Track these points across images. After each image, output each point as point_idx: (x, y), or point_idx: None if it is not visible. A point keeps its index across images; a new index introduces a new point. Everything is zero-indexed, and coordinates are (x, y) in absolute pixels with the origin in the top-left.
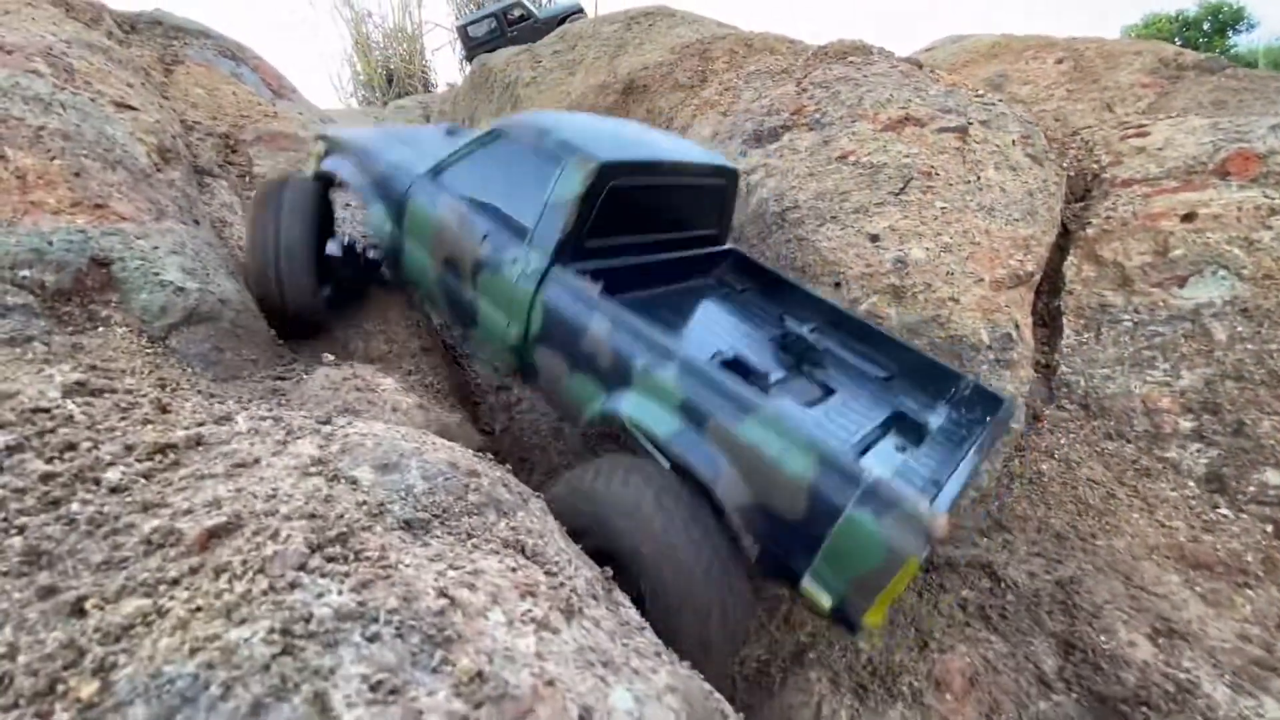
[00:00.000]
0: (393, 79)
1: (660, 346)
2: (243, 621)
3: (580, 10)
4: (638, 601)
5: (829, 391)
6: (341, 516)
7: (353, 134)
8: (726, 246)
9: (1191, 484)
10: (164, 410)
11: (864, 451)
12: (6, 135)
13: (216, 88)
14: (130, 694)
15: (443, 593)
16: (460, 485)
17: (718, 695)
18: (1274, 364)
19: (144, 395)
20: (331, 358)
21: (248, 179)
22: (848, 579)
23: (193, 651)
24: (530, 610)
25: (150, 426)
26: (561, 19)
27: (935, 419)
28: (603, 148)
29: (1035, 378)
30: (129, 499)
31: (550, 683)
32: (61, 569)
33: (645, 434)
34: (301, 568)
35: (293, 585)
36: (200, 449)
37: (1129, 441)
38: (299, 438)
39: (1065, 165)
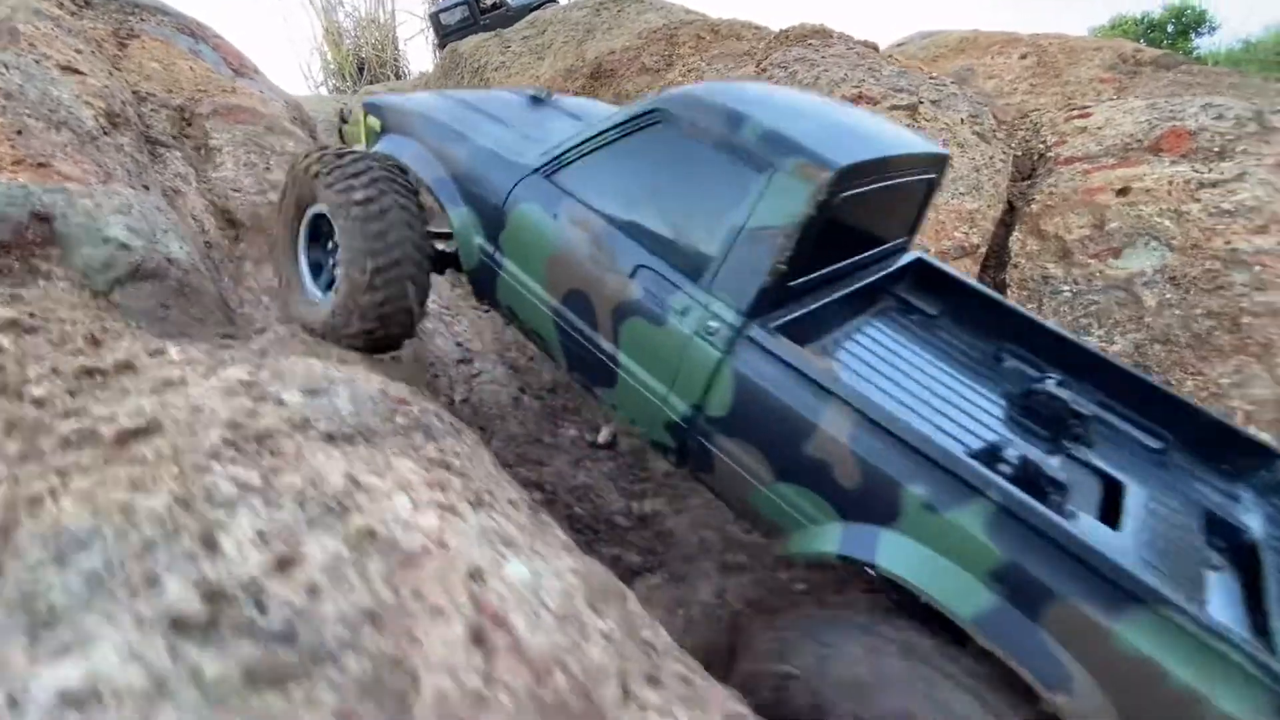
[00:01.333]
0: (364, 67)
1: (956, 473)
2: (145, 492)
3: None
4: None
5: (1115, 486)
6: (263, 425)
7: (415, 103)
8: (915, 255)
9: None
10: (96, 344)
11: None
12: None
13: (173, 63)
14: (28, 544)
15: (351, 478)
16: (388, 409)
17: (619, 583)
18: (1198, 328)
19: (79, 333)
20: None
21: (203, 151)
22: None
23: (94, 513)
24: (437, 498)
25: (81, 356)
26: (534, 6)
27: (1252, 519)
28: (832, 145)
29: None
30: (51, 409)
31: (443, 544)
32: None
33: (936, 606)
34: (215, 458)
35: (201, 470)
36: (130, 372)
37: None
38: (230, 366)
39: (1014, 145)
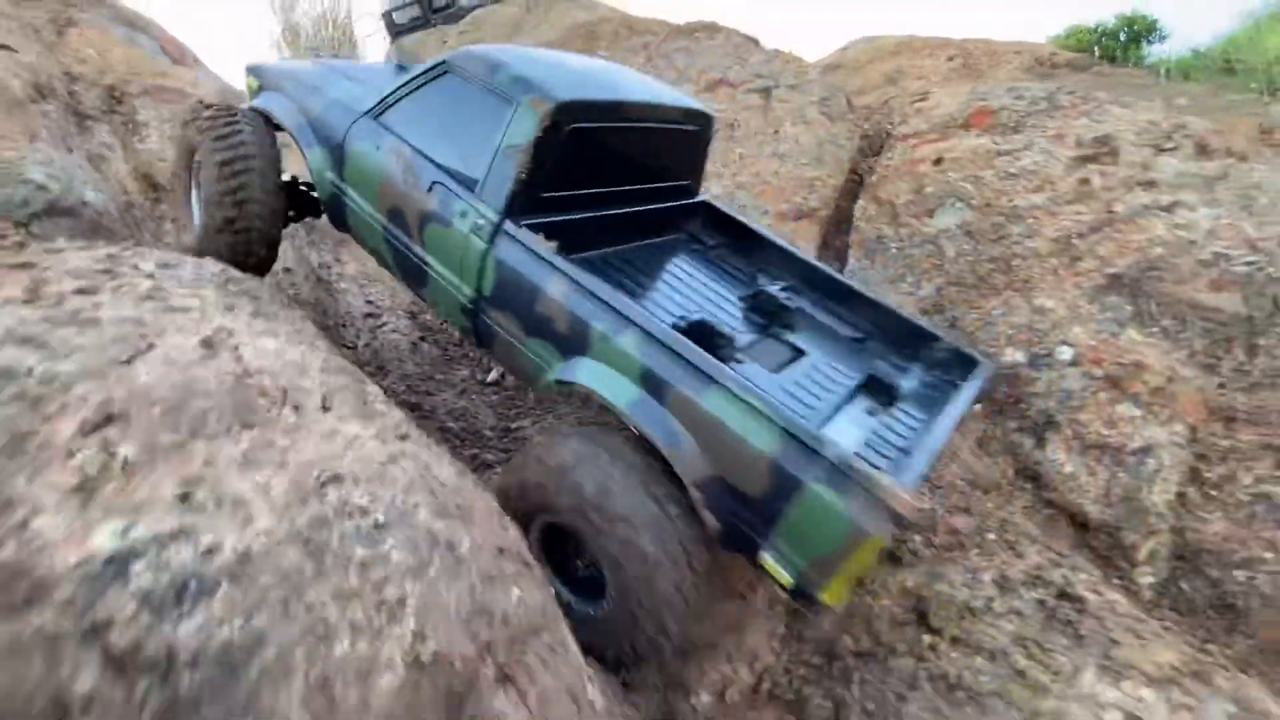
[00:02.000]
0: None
1: (620, 312)
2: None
3: None
4: (595, 574)
5: (799, 354)
6: (113, 271)
7: (289, 67)
8: (700, 199)
9: None
10: (21, 246)
11: (831, 418)
12: None
13: (108, 49)
14: None
15: (155, 289)
16: (223, 278)
17: (361, 374)
18: (981, 271)
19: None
20: None
21: (130, 126)
22: (808, 557)
23: None
24: (227, 305)
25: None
26: (484, 4)
27: (909, 382)
28: (561, 86)
29: None
30: None
31: (204, 310)
32: None
33: (604, 404)
34: (69, 275)
35: (42, 283)
36: (23, 249)
37: None
38: (100, 249)
39: (868, 127)
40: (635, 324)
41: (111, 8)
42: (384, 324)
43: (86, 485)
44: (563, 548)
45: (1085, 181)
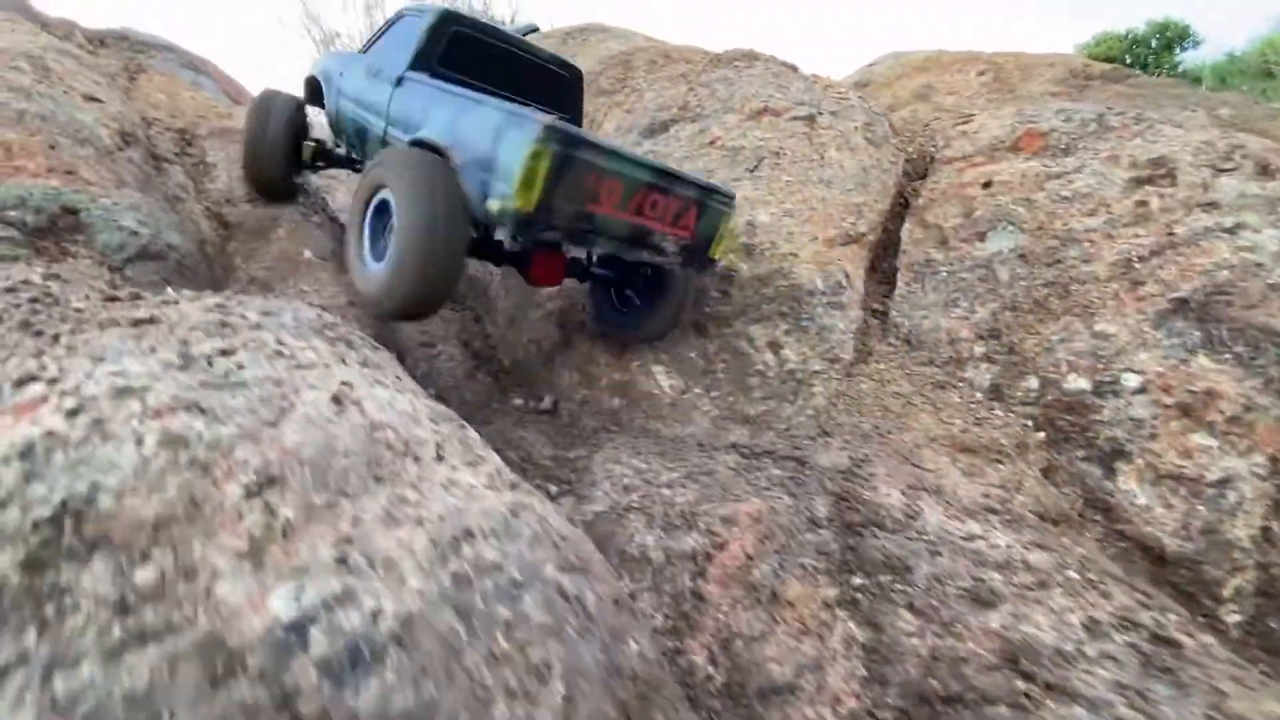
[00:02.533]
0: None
1: (448, 100)
2: (155, 351)
3: (536, 29)
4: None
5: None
6: (229, 324)
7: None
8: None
9: (978, 394)
10: (115, 287)
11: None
12: None
13: (177, 93)
14: (79, 350)
15: (279, 340)
16: (321, 325)
17: (460, 420)
18: (1038, 295)
19: (101, 283)
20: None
21: (201, 166)
22: (509, 179)
23: (120, 338)
24: (340, 355)
25: (102, 293)
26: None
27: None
28: (454, 13)
29: (871, 322)
30: (88, 312)
31: (328, 365)
32: (46, 330)
33: (428, 142)
34: (194, 329)
35: (186, 340)
36: (138, 298)
37: (936, 365)
38: (208, 297)
39: (911, 150)
40: (454, 99)
41: (175, 52)
42: (439, 353)
43: (255, 548)
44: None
45: (1143, 204)
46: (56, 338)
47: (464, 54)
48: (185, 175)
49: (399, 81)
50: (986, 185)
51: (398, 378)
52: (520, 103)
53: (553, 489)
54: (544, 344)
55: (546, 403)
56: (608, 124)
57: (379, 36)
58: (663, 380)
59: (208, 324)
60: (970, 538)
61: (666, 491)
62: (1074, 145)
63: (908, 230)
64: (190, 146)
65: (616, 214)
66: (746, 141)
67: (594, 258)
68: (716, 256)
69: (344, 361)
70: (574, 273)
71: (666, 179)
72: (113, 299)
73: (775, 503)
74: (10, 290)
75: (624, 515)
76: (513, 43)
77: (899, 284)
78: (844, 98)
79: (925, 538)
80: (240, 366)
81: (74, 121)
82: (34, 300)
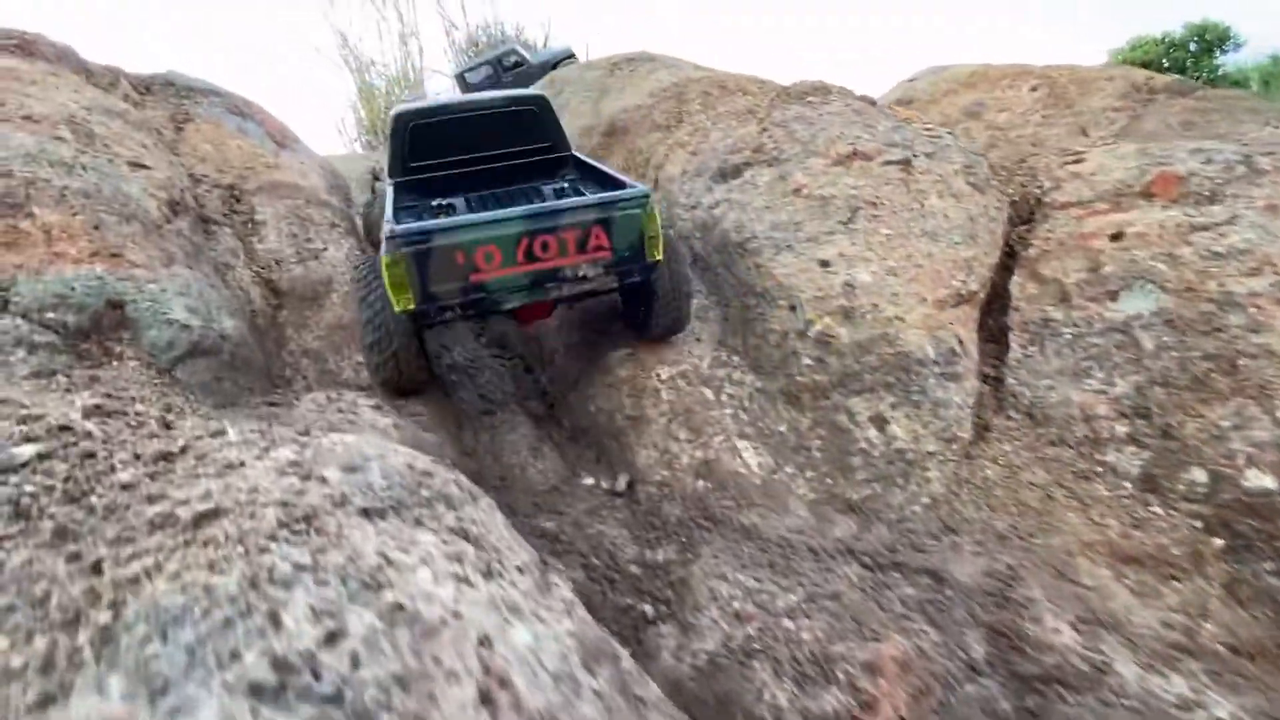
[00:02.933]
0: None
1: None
2: (221, 573)
3: (572, 55)
4: None
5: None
6: (309, 503)
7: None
8: (569, 154)
9: (1126, 485)
10: (167, 427)
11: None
12: (35, 195)
13: (223, 142)
14: (135, 619)
15: (383, 555)
16: (414, 482)
17: (612, 641)
18: (1195, 370)
19: (151, 415)
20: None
21: (250, 225)
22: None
23: (183, 590)
24: (454, 570)
25: (155, 440)
26: (554, 64)
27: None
28: (406, 109)
29: (984, 390)
30: (136, 493)
31: (457, 615)
32: (84, 543)
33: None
34: (271, 539)
35: (262, 550)
36: (196, 456)
37: (1069, 447)
38: (280, 446)
39: (1011, 191)
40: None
41: (221, 96)
42: (500, 422)
43: None
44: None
45: None
46: (98, 566)
47: (431, 137)
48: (234, 236)
49: (391, 188)
50: (1116, 237)
51: (519, 570)
52: (487, 160)
53: (649, 610)
54: (615, 415)
55: (621, 483)
56: (671, 166)
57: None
58: (750, 458)
59: (283, 508)
60: (1185, 705)
61: (789, 624)
62: (1220, 192)
63: (1018, 284)
64: (239, 203)
65: (507, 270)
66: (837, 190)
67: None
68: (657, 257)
69: (461, 565)
70: (566, 301)
71: (542, 219)
72: (166, 456)
73: (919, 638)
74: (45, 458)
75: (745, 661)
76: (468, 107)
77: (1013, 346)
78: (936, 136)
79: (1127, 703)
80: (336, 637)
81: (120, 195)
82: (69, 478)
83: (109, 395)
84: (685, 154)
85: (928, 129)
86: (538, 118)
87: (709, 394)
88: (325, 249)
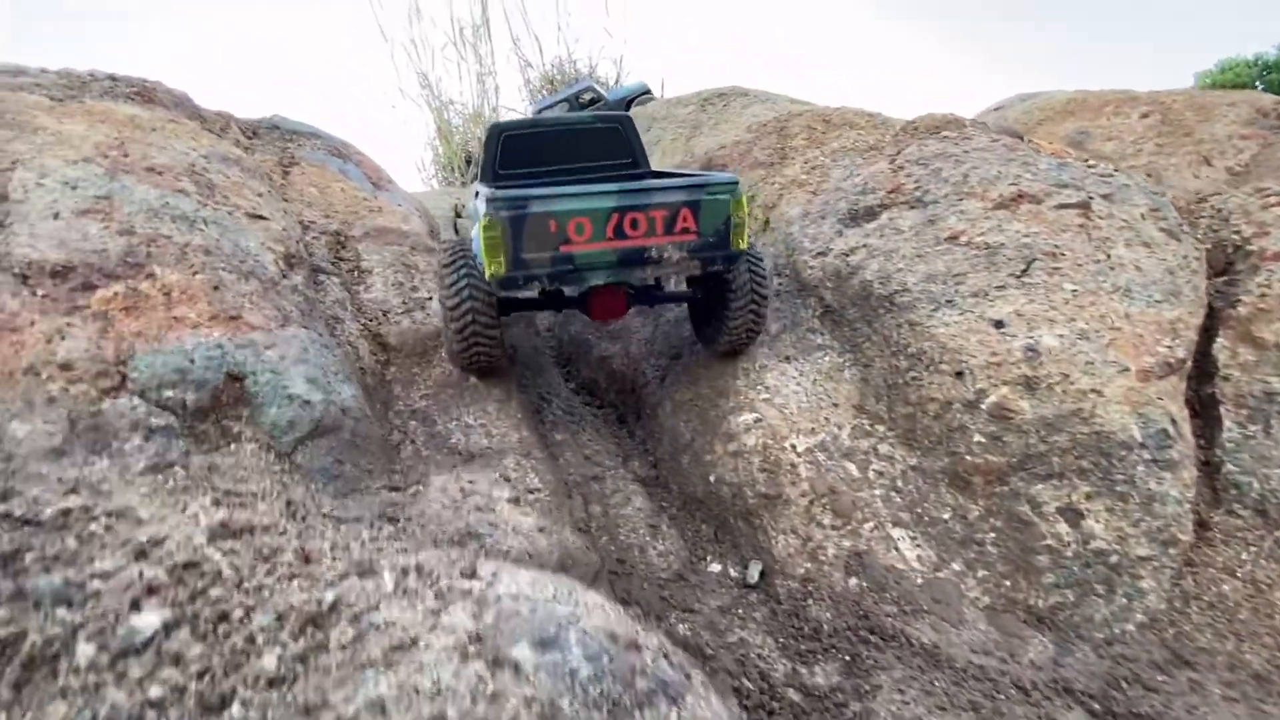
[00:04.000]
0: (471, 160)
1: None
2: None
3: (648, 91)
4: None
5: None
6: (508, 715)
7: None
8: (648, 169)
9: None
10: (306, 560)
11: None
12: (156, 253)
13: (328, 186)
14: None
15: None
16: (626, 668)
17: None
18: None
19: (283, 537)
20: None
21: (356, 273)
22: (482, 256)
23: None
24: None
25: (296, 583)
26: (630, 100)
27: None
28: (501, 122)
29: (1198, 478)
30: (288, 696)
31: None
32: None
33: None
34: None
35: None
36: (352, 622)
37: None
38: (450, 603)
39: (1200, 237)
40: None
41: (322, 138)
42: (611, 492)
43: None
44: None
45: None
46: None
47: (522, 148)
48: (342, 286)
49: (476, 194)
50: None
51: None
52: (571, 173)
53: None
54: (744, 491)
55: (753, 574)
56: (787, 206)
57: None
58: (907, 550)
59: None
60: None
61: None
62: None
63: (1225, 348)
64: (344, 250)
65: (595, 244)
66: (1005, 237)
67: (660, 283)
68: (741, 246)
69: None
70: (642, 300)
71: (634, 195)
72: (315, 622)
73: None
74: (173, 628)
75: None
76: (557, 123)
77: (1226, 424)
78: (1108, 175)
79: None
80: None
81: (239, 250)
82: (204, 670)
83: (231, 496)
84: (803, 193)
85: (1092, 166)
86: (620, 136)
87: (853, 470)
88: (430, 298)
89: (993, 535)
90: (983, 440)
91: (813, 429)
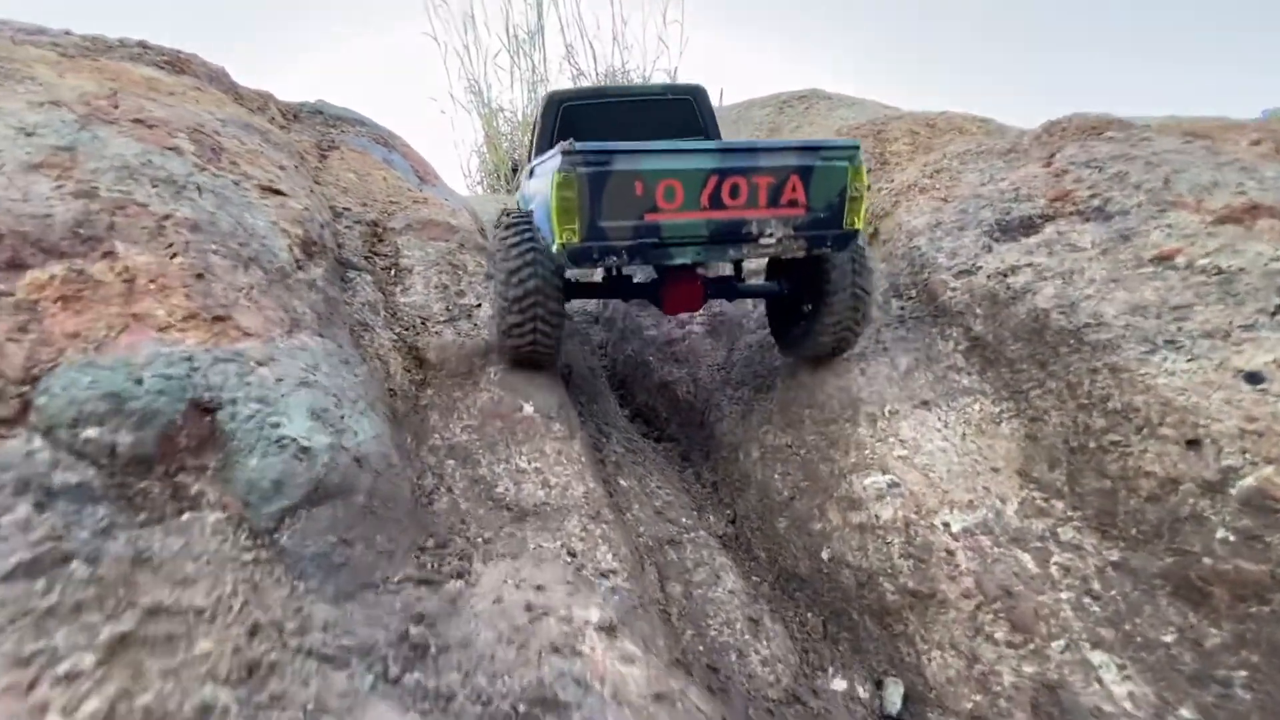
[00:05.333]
0: (517, 167)
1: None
2: None
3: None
4: None
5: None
6: None
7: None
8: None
9: None
10: None
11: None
12: (122, 226)
13: (368, 173)
14: None
15: None
16: None
17: None
18: None
19: None
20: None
21: (393, 272)
22: (552, 220)
23: None
24: None
25: None
26: None
27: None
28: (560, 90)
29: None
30: None
31: None
32: None
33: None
34: None
35: None
36: None
37: None
38: None
39: None
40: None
41: (366, 126)
42: (696, 566)
43: None
44: None
45: None
46: None
47: (583, 121)
48: (375, 285)
49: (531, 173)
50: None
51: None
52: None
53: None
54: (880, 582)
55: (893, 699)
56: (908, 215)
57: (531, 141)
58: (1114, 685)
59: None
60: None
61: None
62: None
63: None
64: (381, 243)
65: (687, 214)
66: (1244, 260)
67: (740, 273)
68: (857, 225)
69: None
70: (720, 293)
71: (736, 156)
72: None
73: None
74: None
75: None
76: (624, 93)
77: None
78: None
79: None
80: None
81: (241, 228)
82: None
83: (158, 618)
84: (928, 200)
85: None
86: (692, 108)
87: (1029, 563)
88: (479, 305)
89: (1244, 675)
90: (1230, 539)
91: (970, 501)
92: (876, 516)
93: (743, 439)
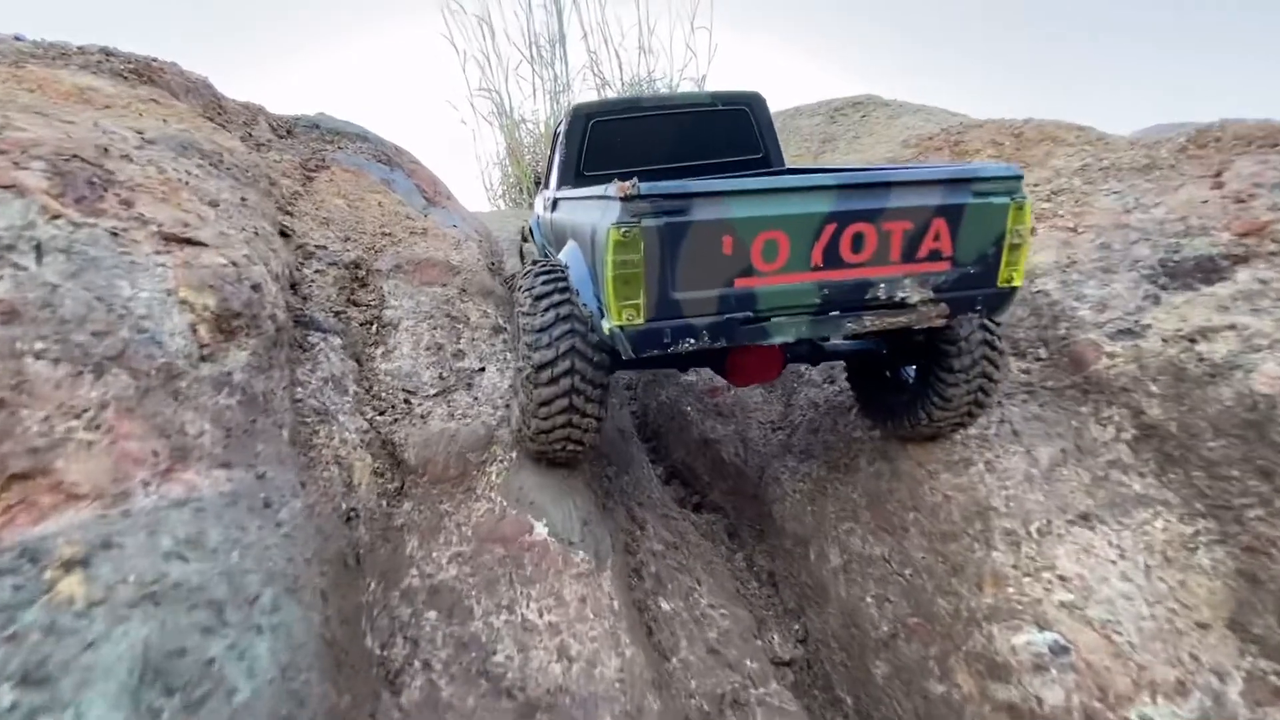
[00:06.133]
0: (539, 180)
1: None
2: None
3: None
4: None
5: None
6: None
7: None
8: (785, 167)
9: None
10: None
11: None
12: None
13: (360, 197)
14: None
15: None
16: None
17: None
18: None
19: None
20: None
21: (374, 329)
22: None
23: None
24: None
25: None
26: None
27: None
28: (587, 102)
29: None
30: None
31: None
32: None
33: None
34: None
35: None
36: None
37: None
38: None
39: None
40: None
41: (369, 141)
42: (750, 702)
43: None
44: None
45: None
46: None
47: (615, 139)
48: (346, 352)
49: (554, 205)
50: None
51: None
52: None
53: None
54: None
55: None
56: (1031, 252)
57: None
58: None
59: None
60: None
61: None
62: None
63: None
64: (363, 289)
65: (793, 275)
66: None
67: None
68: (1016, 283)
69: None
70: (802, 357)
71: (865, 195)
72: None
73: None
74: None
75: None
76: (664, 105)
77: None
78: None
79: None
80: None
81: (101, 308)
82: None
83: None
84: (1050, 231)
85: None
86: (748, 121)
87: None
88: (482, 369)
89: None
90: None
91: (1178, 682)
92: (1038, 700)
93: (814, 533)
